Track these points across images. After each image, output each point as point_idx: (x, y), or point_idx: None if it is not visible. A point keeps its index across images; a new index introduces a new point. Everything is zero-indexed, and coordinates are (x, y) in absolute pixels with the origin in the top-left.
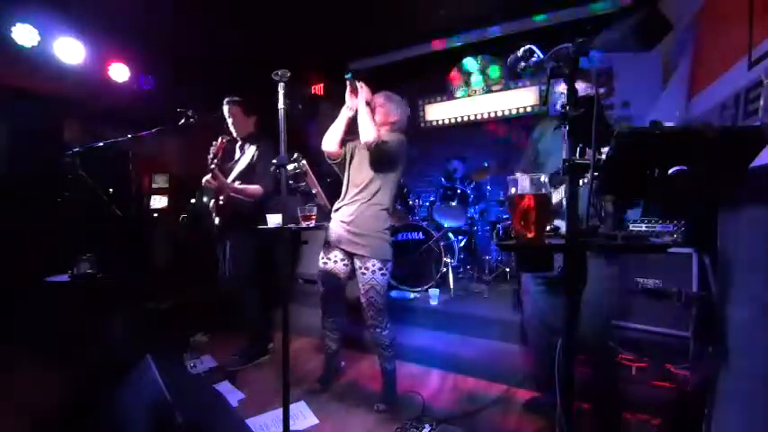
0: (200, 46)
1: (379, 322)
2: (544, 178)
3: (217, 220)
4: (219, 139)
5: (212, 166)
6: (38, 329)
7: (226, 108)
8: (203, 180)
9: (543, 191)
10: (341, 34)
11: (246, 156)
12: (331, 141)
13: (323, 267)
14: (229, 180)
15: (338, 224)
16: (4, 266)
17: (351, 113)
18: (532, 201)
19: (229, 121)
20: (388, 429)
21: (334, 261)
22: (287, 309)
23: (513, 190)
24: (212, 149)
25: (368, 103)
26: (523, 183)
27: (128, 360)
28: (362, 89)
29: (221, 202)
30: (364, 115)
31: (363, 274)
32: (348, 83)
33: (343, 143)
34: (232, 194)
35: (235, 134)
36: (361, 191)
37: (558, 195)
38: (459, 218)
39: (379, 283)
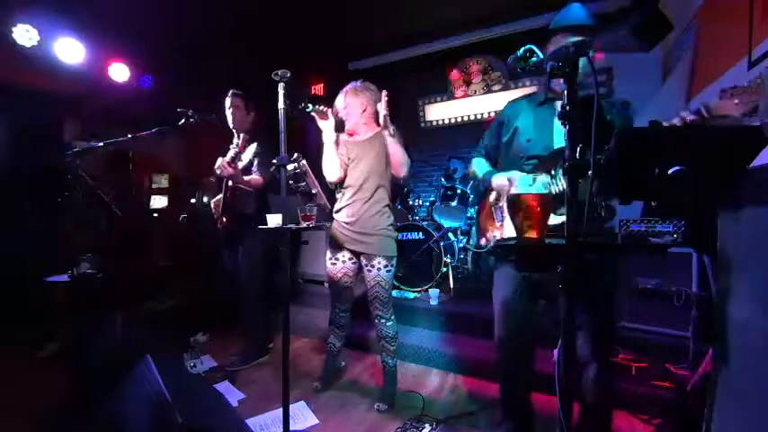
0: (200, 46)
1: (385, 313)
2: (545, 177)
3: (224, 220)
4: (242, 136)
5: (233, 164)
6: (38, 329)
7: (228, 100)
8: (216, 164)
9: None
10: (341, 34)
11: (247, 154)
12: (332, 170)
13: (331, 267)
14: None
15: (341, 225)
16: (4, 266)
17: (333, 137)
18: (533, 201)
19: (229, 112)
20: (388, 429)
21: (342, 261)
22: (287, 309)
23: (512, 189)
24: (234, 148)
25: (338, 123)
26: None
27: (128, 360)
28: (330, 118)
29: (228, 200)
30: (326, 153)
31: (369, 271)
32: (314, 114)
33: (342, 164)
34: (238, 184)
35: (232, 127)
36: (358, 190)
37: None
38: (459, 218)
39: (385, 278)
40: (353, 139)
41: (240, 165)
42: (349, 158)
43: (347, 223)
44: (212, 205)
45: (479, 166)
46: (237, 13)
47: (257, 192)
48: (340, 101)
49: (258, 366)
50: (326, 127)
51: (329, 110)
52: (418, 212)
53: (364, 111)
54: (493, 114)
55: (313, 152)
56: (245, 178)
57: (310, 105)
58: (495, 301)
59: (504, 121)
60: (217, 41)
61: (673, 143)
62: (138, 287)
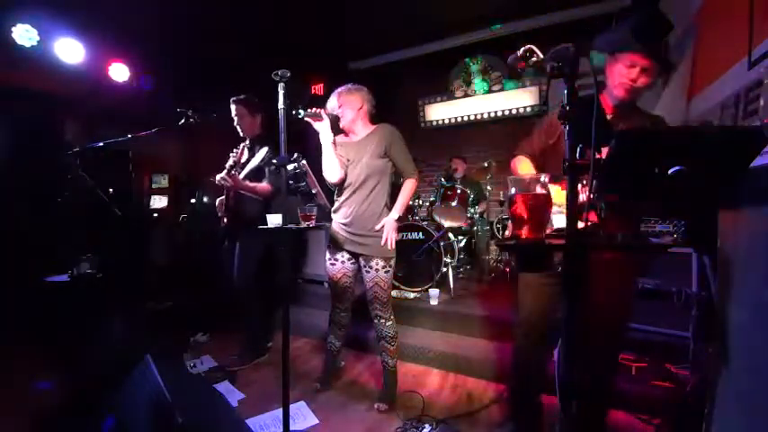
0: (201, 46)
1: (384, 313)
2: (544, 178)
3: (224, 220)
4: (242, 147)
5: (232, 172)
6: (38, 329)
7: (232, 108)
8: (218, 178)
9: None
10: (341, 34)
11: (257, 157)
12: (333, 172)
13: (331, 268)
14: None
15: (339, 226)
16: (5, 266)
17: (330, 137)
18: (532, 200)
19: (236, 120)
20: (388, 429)
21: (341, 261)
22: (287, 309)
23: (512, 189)
24: (233, 157)
25: (334, 121)
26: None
27: (128, 360)
28: (324, 119)
29: (230, 202)
30: (325, 154)
31: (368, 272)
32: (308, 118)
33: (342, 165)
34: (243, 192)
35: (242, 134)
36: (355, 190)
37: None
38: (459, 218)
39: (383, 279)
40: (350, 140)
41: (247, 169)
42: (348, 160)
43: (344, 224)
44: (217, 203)
45: (524, 165)
46: (237, 14)
47: (264, 198)
48: (333, 101)
49: (258, 366)
50: (323, 128)
51: (322, 110)
52: (418, 212)
53: (360, 108)
54: (493, 114)
55: (313, 152)
56: (251, 185)
57: (302, 111)
58: (523, 302)
59: (553, 124)
60: (217, 42)
61: (673, 143)
62: (138, 287)
